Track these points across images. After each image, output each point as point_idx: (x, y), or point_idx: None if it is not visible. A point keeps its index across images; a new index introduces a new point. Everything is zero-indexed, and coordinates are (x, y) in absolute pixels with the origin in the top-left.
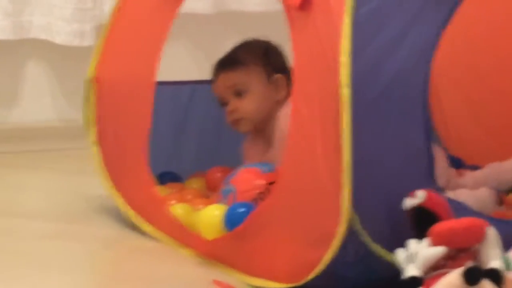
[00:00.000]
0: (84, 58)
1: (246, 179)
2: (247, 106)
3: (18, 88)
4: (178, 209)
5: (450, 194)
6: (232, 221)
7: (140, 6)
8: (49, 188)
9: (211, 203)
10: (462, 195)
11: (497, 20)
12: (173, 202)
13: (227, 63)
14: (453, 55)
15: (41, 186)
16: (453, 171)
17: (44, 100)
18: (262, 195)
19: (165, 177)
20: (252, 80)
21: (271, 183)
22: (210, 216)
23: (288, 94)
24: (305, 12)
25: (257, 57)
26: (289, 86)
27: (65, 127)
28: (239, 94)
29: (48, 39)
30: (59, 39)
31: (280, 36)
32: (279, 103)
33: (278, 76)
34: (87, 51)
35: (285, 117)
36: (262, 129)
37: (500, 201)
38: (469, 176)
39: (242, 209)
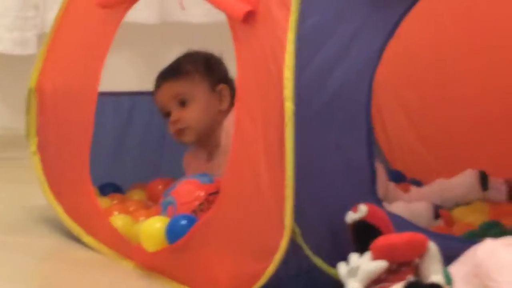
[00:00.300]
0: (26, 66)
1: (186, 190)
2: (191, 115)
3: None
4: (118, 221)
5: (387, 207)
6: (173, 233)
7: (84, 14)
8: None
9: (152, 214)
10: (398, 209)
11: (437, 32)
12: (115, 213)
13: (170, 73)
14: (393, 68)
15: None
16: (391, 184)
17: None
18: (202, 206)
19: (106, 189)
20: (196, 89)
21: (211, 194)
22: (152, 229)
23: (231, 104)
24: (249, 25)
25: (200, 67)
26: (233, 96)
27: (6, 136)
28: (182, 103)
29: None
30: (1, 47)
31: (225, 47)
32: (223, 113)
33: (221, 86)
34: (29, 60)
35: (230, 124)
36: (205, 141)
37: (437, 216)
38: (415, 191)
39: (183, 222)
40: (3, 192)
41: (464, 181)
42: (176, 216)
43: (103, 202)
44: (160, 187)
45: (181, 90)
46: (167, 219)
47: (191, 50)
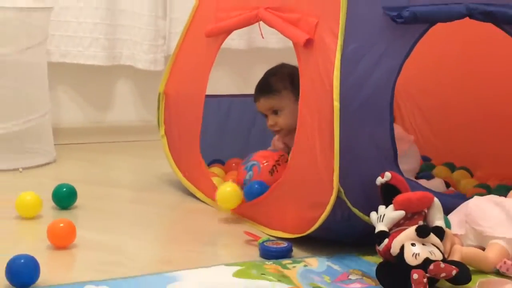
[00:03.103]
0: (156, 78)
1: (265, 155)
2: (282, 122)
3: (112, 99)
4: (215, 182)
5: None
6: (249, 193)
7: (196, 42)
8: (132, 167)
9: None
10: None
11: (440, 51)
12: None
13: (265, 91)
14: (409, 77)
15: (127, 166)
16: None
17: (129, 107)
18: (276, 165)
19: (215, 162)
20: (284, 102)
21: (280, 158)
22: (224, 191)
23: None
24: (308, 49)
25: (287, 84)
26: None
27: (144, 125)
28: (275, 112)
29: (132, 65)
30: (140, 65)
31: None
32: None
33: None
34: (159, 74)
35: None
36: (292, 131)
37: (448, 185)
38: None
39: (256, 186)
40: (142, 164)
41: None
42: (251, 182)
43: (213, 170)
44: (233, 164)
45: (273, 104)
46: (234, 185)
47: (279, 66)
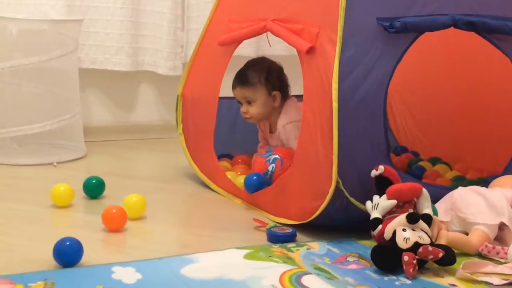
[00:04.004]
0: (175, 82)
1: (287, 151)
2: (254, 111)
3: (135, 101)
4: (228, 175)
5: None
6: (248, 184)
7: (209, 50)
8: (154, 161)
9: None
10: None
11: (430, 62)
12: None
13: (242, 82)
14: (400, 81)
15: (149, 160)
16: None
17: (151, 108)
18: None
19: (225, 157)
20: (258, 94)
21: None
22: (130, 201)
23: (282, 104)
24: (311, 55)
25: (262, 79)
26: (283, 98)
27: (164, 124)
28: (249, 102)
29: (154, 71)
30: (160, 71)
31: (296, 70)
32: (275, 108)
33: (275, 92)
34: (177, 78)
35: (283, 128)
36: (265, 119)
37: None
38: None
39: (254, 177)
40: (162, 158)
41: None
42: (249, 174)
43: (222, 163)
44: (239, 160)
45: (248, 95)
46: (140, 196)
47: (260, 59)
